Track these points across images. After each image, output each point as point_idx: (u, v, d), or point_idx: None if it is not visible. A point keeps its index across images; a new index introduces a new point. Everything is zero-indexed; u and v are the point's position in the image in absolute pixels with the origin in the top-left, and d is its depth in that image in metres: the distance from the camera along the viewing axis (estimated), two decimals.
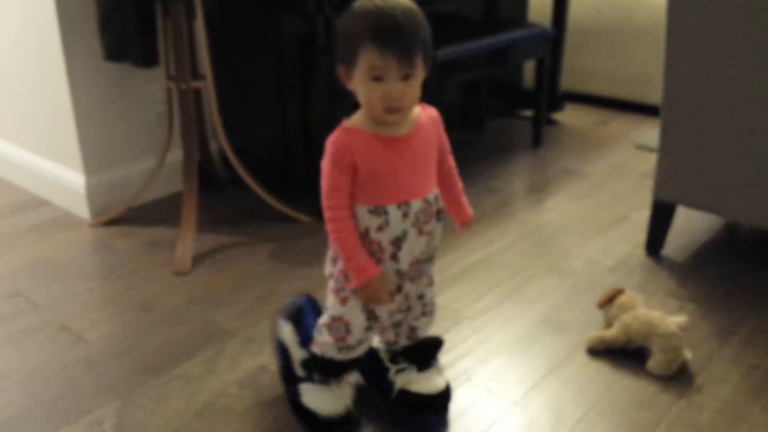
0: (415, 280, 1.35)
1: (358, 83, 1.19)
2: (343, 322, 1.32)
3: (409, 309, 1.40)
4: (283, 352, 1.48)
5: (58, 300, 1.88)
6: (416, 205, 1.26)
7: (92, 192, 2.30)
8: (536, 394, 1.52)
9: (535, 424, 1.43)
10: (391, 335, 1.44)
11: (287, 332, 1.47)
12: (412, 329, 1.43)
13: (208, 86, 2.13)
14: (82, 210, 2.32)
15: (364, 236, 1.26)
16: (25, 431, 1.42)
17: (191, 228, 2.08)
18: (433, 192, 1.30)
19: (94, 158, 2.30)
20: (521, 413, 1.46)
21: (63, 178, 2.37)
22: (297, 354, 1.44)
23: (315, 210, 2.31)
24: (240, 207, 2.39)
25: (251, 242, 2.17)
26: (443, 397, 1.44)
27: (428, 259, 1.35)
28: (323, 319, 1.37)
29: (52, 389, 1.54)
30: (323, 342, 1.36)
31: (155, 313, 1.81)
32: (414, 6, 1.19)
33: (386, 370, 1.46)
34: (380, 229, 1.25)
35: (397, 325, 1.42)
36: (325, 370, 1.39)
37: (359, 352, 1.37)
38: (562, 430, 1.41)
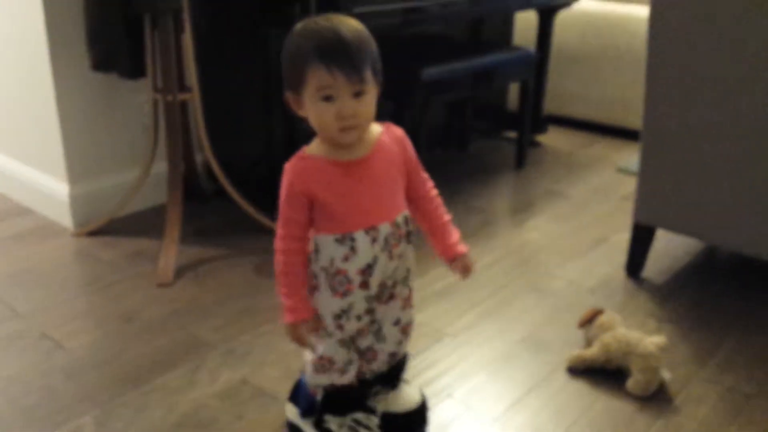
0: (387, 301, 1.31)
1: (309, 106, 1.16)
2: (325, 359, 1.31)
3: (381, 335, 1.35)
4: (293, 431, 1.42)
5: (39, 308, 1.87)
6: (385, 229, 1.23)
7: (76, 202, 2.29)
8: (516, 411, 1.53)
9: None
10: (364, 367, 1.38)
11: (290, 411, 1.43)
12: (393, 355, 1.38)
13: (194, 99, 2.14)
14: (65, 219, 2.31)
15: (329, 267, 1.23)
16: None
17: (174, 240, 2.08)
18: (403, 214, 1.27)
19: (78, 168, 2.29)
20: (501, 430, 1.47)
21: (47, 186, 2.36)
22: (304, 423, 1.40)
23: None
24: (224, 219, 2.39)
25: (235, 255, 2.17)
26: (423, 408, 1.46)
27: (402, 281, 1.31)
28: (309, 358, 1.34)
29: (31, 397, 1.53)
30: (315, 378, 1.35)
31: (136, 324, 1.81)
32: (358, 24, 1.17)
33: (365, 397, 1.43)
34: (347, 258, 1.21)
35: (368, 352, 1.37)
36: (336, 405, 1.36)
37: (352, 374, 1.34)
38: None
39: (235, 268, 2.09)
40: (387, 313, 1.33)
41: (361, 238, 1.21)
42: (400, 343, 1.38)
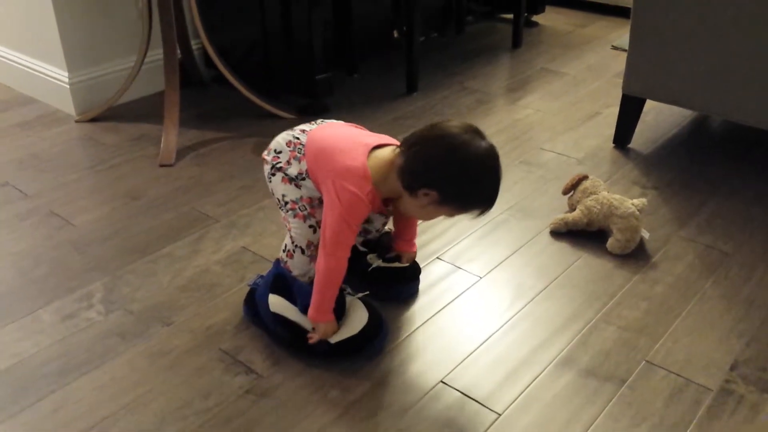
0: None
1: (425, 206, 1.28)
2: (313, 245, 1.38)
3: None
4: (283, 324, 1.38)
5: (47, 189, 1.95)
6: None
7: (77, 88, 2.33)
8: (501, 270, 1.61)
9: (498, 294, 1.53)
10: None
11: (279, 303, 1.38)
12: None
13: None
14: (68, 107, 2.37)
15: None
16: (17, 306, 1.51)
17: (174, 122, 2.13)
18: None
19: (77, 55, 2.32)
20: (486, 287, 1.56)
21: (48, 75, 2.40)
22: (300, 318, 1.37)
23: (296, 107, 2.37)
24: (223, 104, 2.44)
25: (234, 137, 2.23)
26: (415, 267, 1.55)
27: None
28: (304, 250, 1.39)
29: (42, 268, 1.63)
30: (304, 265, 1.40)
31: (142, 201, 1.89)
32: None
33: (363, 254, 1.54)
34: None
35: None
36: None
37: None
38: (522, 300, 1.52)
39: (234, 149, 2.16)
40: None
41: None
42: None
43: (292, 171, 1.34)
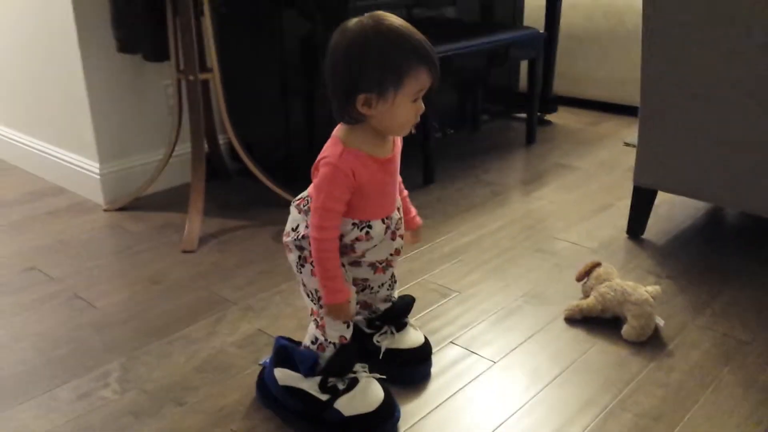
0: (383, 270, 1.45)
1: (397, 105, 1.18)
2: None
3: (373, 291, 1.49)
4: (294, 395, 1.39)
5: (72, 273, 2.00)
6: (395, 216, 1.35)
7: (107, 179, 2.43)
8: (515, 356, 1.61)
9: (513, 380, 1.53)
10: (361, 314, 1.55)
11: (285, 376, 1.40)
12: (386, 299, 1.52)
13: (215, 78, 2.26)
14: (97, 196, 2.46)
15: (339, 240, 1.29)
16: (35, 384, 1.53)
17: (198, 210, 2.20)
18: (398, 200, 1.38)
19: (108, 148, 2.43)
20: (500, 372, 1.56)
21: (79, 166, 2.50)
22: (309, 385, 1.37)
23: None
24: (246, 196, 2.52)
25: (255, 225, 2.29)
26: (426, 348, 1.55)
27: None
28: (314, 324, 1.38)
29: (62, 349, 1.65)
30: (331, 334, 1.37)
31: (162, 285, 1.93)
32: None
33: (369, 336, 1.54)
34: (359, 240, 1.31)
35: (363, 304, 1.53)
36: (341, 365, 1.36)
37: (350, 328, 1.40)
38: (537, 386, 1.51)
39: (255, 236, 2.21)
40: (379, 278, 1.47)
41: (378, 226, 1.32)
42: (390, 290, 1.52)
43: None
